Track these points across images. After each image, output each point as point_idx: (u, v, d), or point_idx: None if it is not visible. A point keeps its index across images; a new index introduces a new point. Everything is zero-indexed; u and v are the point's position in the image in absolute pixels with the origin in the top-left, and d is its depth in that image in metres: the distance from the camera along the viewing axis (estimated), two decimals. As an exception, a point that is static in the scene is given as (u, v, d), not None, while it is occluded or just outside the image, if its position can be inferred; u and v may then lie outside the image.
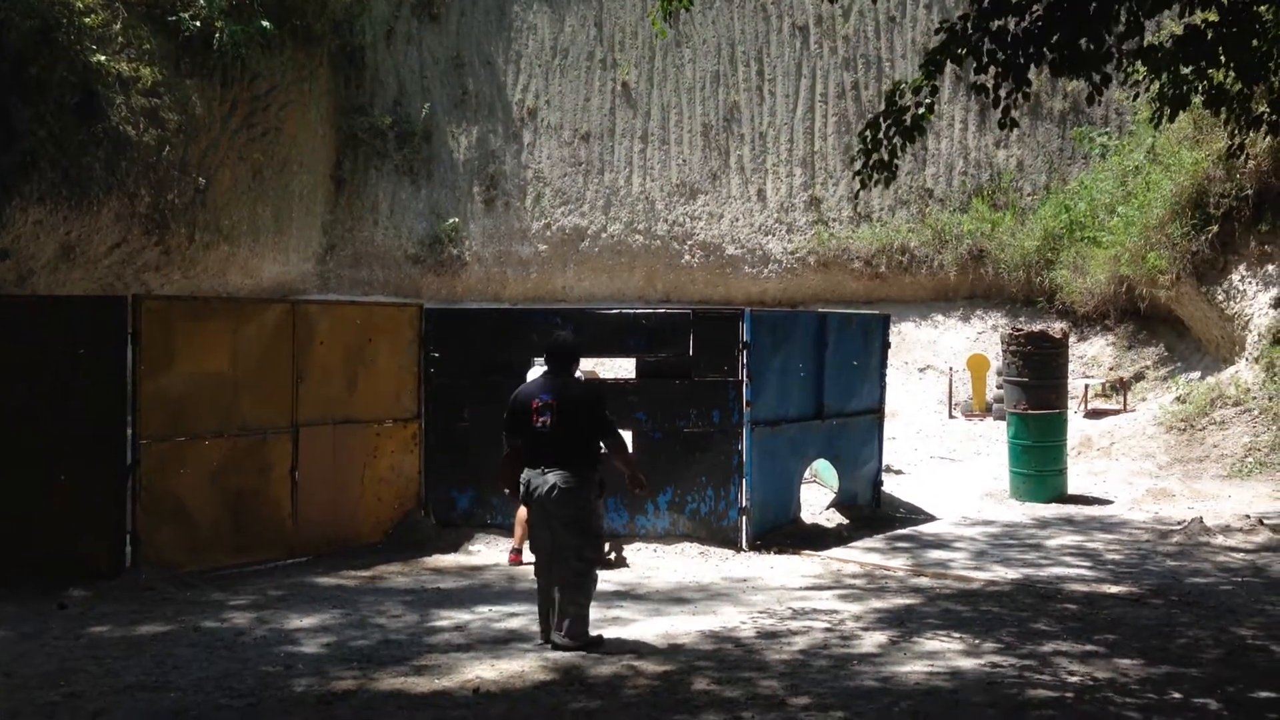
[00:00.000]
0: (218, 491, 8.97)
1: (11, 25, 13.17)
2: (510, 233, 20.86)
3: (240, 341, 9.11)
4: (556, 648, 6.55)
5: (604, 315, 11.03)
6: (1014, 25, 7.05)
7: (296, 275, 19.77)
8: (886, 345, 12.03)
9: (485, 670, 6.13)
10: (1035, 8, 6.98)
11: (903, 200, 19.98)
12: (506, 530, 9.79)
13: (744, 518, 9.76)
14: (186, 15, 16.09)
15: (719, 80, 20.77)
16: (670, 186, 20.74)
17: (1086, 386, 16.98)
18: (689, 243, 20.69)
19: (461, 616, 7.45)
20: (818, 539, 10.21)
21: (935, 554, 9.72)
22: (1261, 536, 10.02)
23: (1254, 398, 14.16)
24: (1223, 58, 7.19)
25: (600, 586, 7.01)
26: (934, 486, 13.29)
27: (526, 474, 6.74)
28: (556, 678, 6.01)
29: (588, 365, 10.17)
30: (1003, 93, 7.32)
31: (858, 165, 8.09)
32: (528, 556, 8.96)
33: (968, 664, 6.25)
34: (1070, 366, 13.90)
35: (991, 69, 7.13)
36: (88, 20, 14.52)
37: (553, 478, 6.61)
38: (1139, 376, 17.38)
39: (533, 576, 7.00)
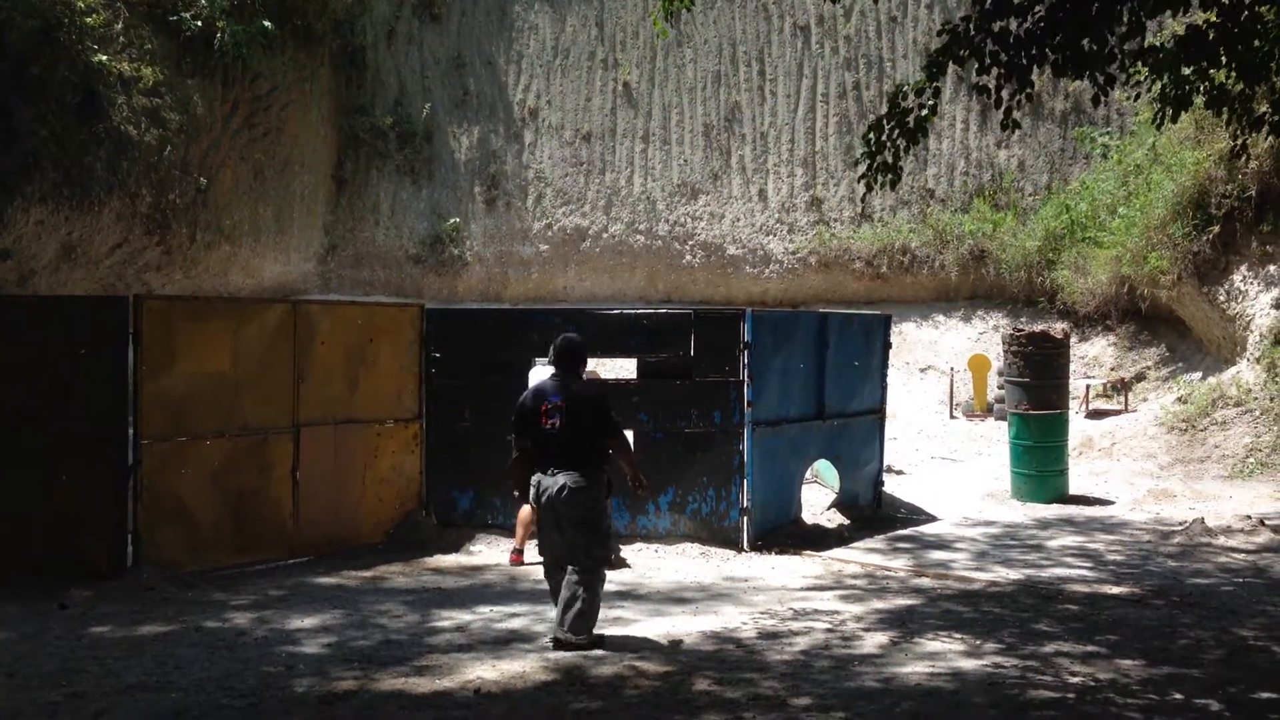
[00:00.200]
0: (219, 491, 8.97)
1: (13, 25, 13.18)
2: (511, 233, 20.86)
3: (241, 341, 9.11)
4: (559, 643, 6.56)
5: (605, 315, 11.03)
6: (1016, 26, 7.04)
7: (298, 275, 19.78)
8: (888, 345, 12.03)
9: (486, 671, 6.13)
10: (1037, 9, 6.97)
11: (904, 200, 19.98)
12: (507, 530, 9.79)
13: (745, 518, 9.76)
14: (188, 15, 16.09)
15: (720, 80, 20.77)
16: (671, 186, 20.74)
17: (1088, 387, 16.97)
18: (690, 243, 20.69)
19: (462, 617, 7.45)
20: (819, 539, 10.21)
21: (936, 554, 9.72)
22: (1263, 537, 10.01)
23: (1255, 398, 14.16)
24: (1224, 58, 7.18)
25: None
26: (935, 487, 13.28)
27: (536, 475, 6.77)
28: (558, 678, 6.01)
29: (589, 365, 10.16)
30: (1005, 94, 7.31)
31: (862, 168, 8.09)
32: (529, 557, 8.99)
33: (969, 665, 6.25)
34: (1071, 367, 13.90)
35: (994, 70, 7.12)
36: (89, 20, 14.52)
37: (562, 478, 6.65)
38: (1140, 377, 17.37)
39: (534, 578, 7.01)
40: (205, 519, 8.88)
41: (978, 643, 6.72)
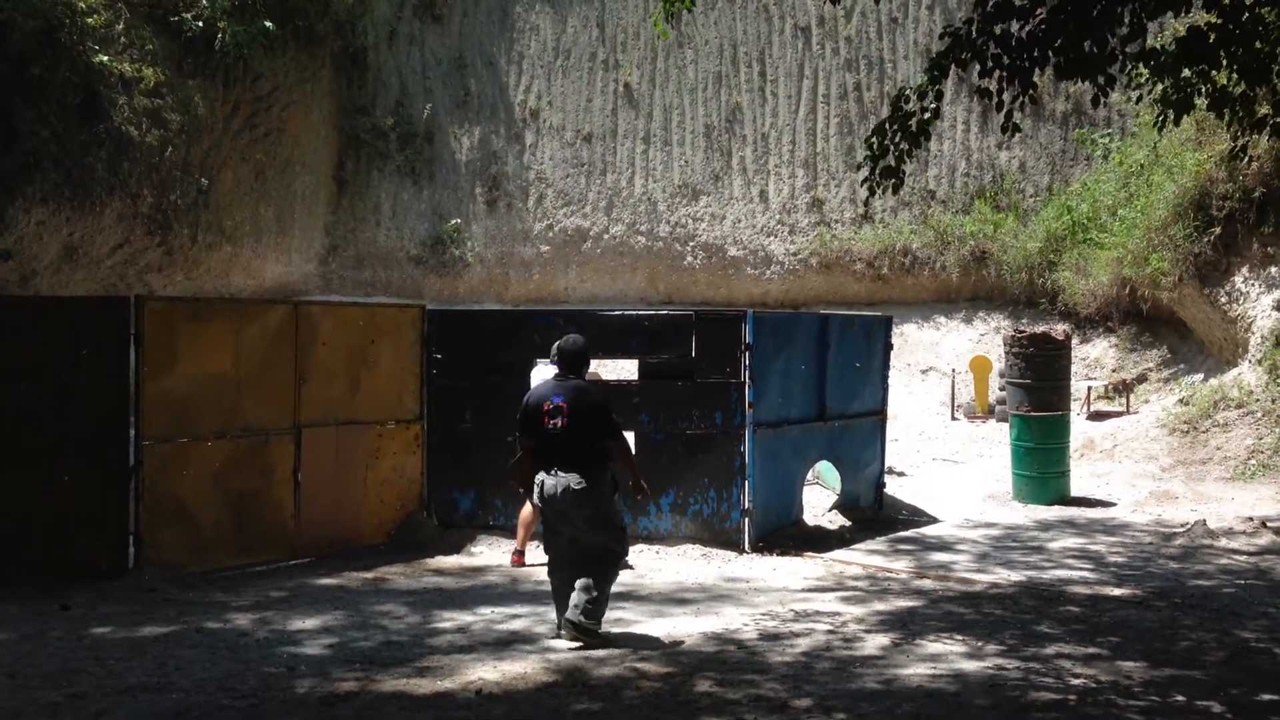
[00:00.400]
0: (220, 492, 8.97)
1: (14, 25, 13.18)
2: (512, 234, 20.86)
3: (243, 342, 9.12)
4: (572, 625, 6.59)
5: (606, 317, 11.02)
6: (1018, 29, 7.04)
7: (299, 276, 19.78)
8: (889, 347, 12.02)
9: (487, 672, 6.13)
10: (1039, 11, 6.97)
11: (905, 202, 19.96)
12: (508, 531, 9.79)
13: (746, 519, 9.76)
14: (189, 16, 16.09)
15: (721, 81, 20.77)
16: (672, 188, 20.74)
17: (1089, 388, 16.97)
18: (691, 244, 20.69)
19: (464, 618, 7.45)
20: (820, 541, 10.20)
21: (938, 556, 9.71)
22: (1264, 539, 10.01)
23: (1257, 400, 14.15)
24: (1225, 59, 7.18)
25: (603, 588, 7.02)
26: (936, 488, 13.28)
27: (540, 475, 6.80)
28: (559, 679, 6.01)
29: (590, 366, 10.17)
30: (1007, 97, 7.30)
31: (865, 172, 8.09)
32: (530, 558, 9.00)
33: (970, 666, 6.25)
34: (1073, 368, 13.90)
35: (996, 73, 7.12)
36: (90, 21, 14.53)
37: (566, 479, 6.69)
38: (1141, 378, 17.36)
39: (536, 579, 7.02)
40: (206, 520, 8.88)
41: (979, 644, 6.72)
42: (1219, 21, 6.89)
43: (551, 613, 7.08)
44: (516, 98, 21.05)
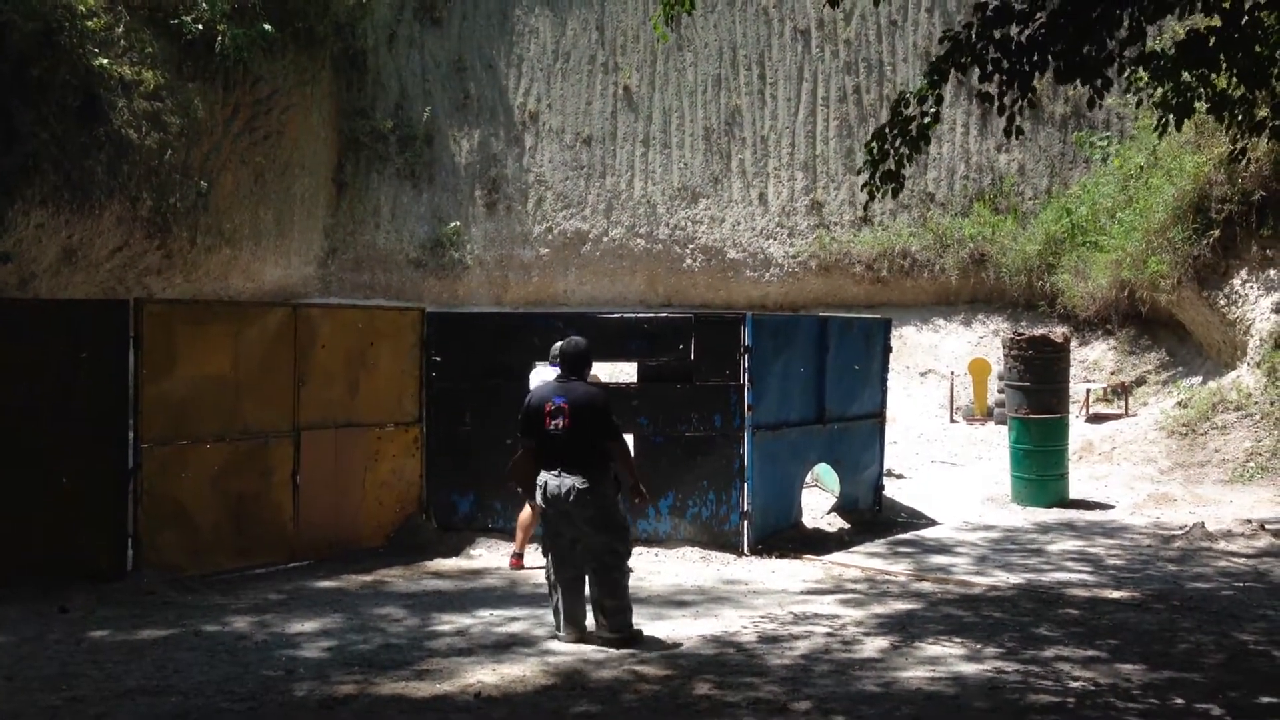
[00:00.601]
0: (219, 495, 8.97)
1: (14, 27, 13.18)
2: (512, 236, 20.87)
3: (242, 345, 9.12)
4: (604, 642, 6.69)
5: (605, 319, 11.03)
6: (1017, 33, 7.05)
7: (298, 279, 19.77)
8: (888, 349, 12.03)
9: (486, 674, 6.13)
10: (1039, 15, 6.98)
11: (904, 204, 19.96)
12: (508, 534, 9.79)
13: (745, 522, 9.76)
14: (189, 19, 16.09)
15: (720, 84, 20.78)
16: (672, 190, 20.75)
17: (1088, 391, 16.97)
18: (690, 246, 20.69)
19: (463, 621, 7.45)
20: (819, 543, 10.20)
21: (937, 559, 9.72)
22: (1263, 541, 10.01)
23: (1255, 402, 14.16)
24: (1224, 63, 7.19)
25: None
26: (935, 491, 13.28)
27: (543, 476, 6.85)
28: (558, 682, 6.01)
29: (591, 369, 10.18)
30: (1007, 100, 7.31)
31: (865, 177, 8.10)
32: (529, 561, 9.00)
33: (969, 669, 6.25)
34: (1071, 371, 13.90)
35: (996, 77, 7.13)
36: (90, 23, 14.52)
37: (571, 480, 6.73)
38: (1140, 381, 17.38)
39: (534, 581, 7.03)
40: (205, 522, 8.88)
41: (978, 647, 6.72)
42: (1218, 25, 6.90)
43: (549, 615, 7.09)
44: (516, 100, 21.06)
